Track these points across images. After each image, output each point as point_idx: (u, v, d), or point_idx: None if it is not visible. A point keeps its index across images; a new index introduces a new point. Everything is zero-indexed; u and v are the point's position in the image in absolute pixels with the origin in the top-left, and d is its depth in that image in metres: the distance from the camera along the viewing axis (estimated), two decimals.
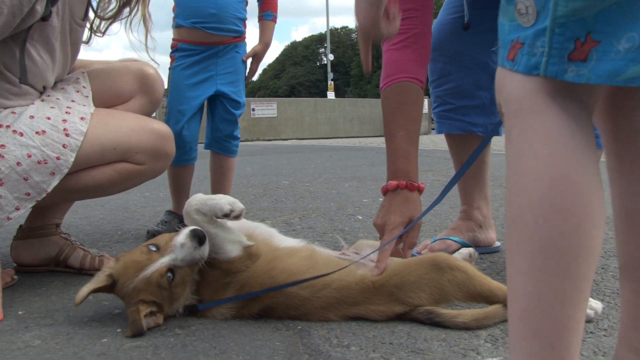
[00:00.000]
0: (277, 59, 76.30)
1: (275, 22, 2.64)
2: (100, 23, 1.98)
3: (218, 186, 2.60)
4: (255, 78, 2.66)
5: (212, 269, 1.48)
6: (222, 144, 2.55)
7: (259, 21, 2.63)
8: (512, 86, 0.81)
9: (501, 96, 0.84)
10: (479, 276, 1.46)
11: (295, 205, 3.33)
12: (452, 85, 2.06)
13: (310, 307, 1.46)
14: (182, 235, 1.42)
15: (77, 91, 1.84)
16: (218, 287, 1.49)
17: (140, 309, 1.38)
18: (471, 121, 2.06)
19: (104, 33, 2.01)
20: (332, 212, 3.10)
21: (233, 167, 2.65)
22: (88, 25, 1.94)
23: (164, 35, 2.90)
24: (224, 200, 1.48)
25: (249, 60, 2.63)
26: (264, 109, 19.88)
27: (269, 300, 1.46)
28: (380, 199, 3.43)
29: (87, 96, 1.84)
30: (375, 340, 1.34)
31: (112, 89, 1.93)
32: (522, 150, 0.79)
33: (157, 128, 1.89)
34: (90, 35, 1.99)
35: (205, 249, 1.42)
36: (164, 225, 2.44)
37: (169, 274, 1.39)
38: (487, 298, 1.44)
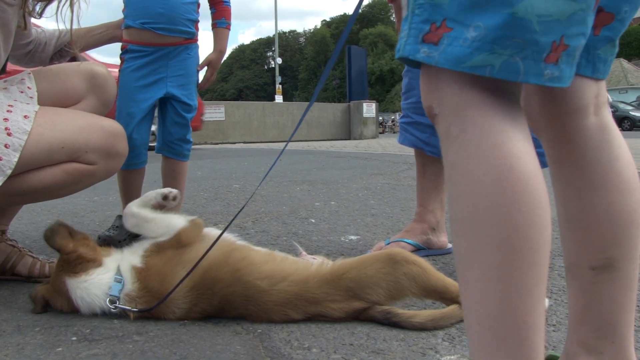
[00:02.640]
0: (224, 62, 75.66)
1: (229, 29, 2.62)
2: (35, 4, 1.90)
3: None
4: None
5: (159, 253, 1.53)
6: (174, 148, 2.51)
7: (212, 29, 2.60)
8: (445, 84, 0.79)
9: (434, 95, 0.81)
10: (433, 271, 1.50)
11: (248, 209, 3.31)
12: (414, 101, 2.13)
13: (269, 301, 1.46)
14: None
15: (21, 92, 1.77)
16: (167, 272, 1.50)
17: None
18: (423, 139, 2.12)
19: (40, 15, 1.92)
20: (284, 215, 3.11)
21: (185, 171, 2.61)
22: (21, 7, 1.84)
23: None
24: (157, 190, 1.67)
25: (204, 69, 2.61)
26: (212, 112, 19.66)
27: (226, 290, 1.46)
28: (332, 203, 3.47)
29: (31, 97, 1.77)
30: (335, 341, 1.36)
31: (61, 90, 1.86)
32: (465, 147, 0.76)
33: (107, 126, 1.83)
34: (25, 19, 1.91)
35: None
36: (115, 230, 2.38)
37: None
38: (441, 293, 1.48)
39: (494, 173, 0.74)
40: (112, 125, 1.87)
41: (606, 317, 0.91)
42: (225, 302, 1.48)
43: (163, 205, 1.69)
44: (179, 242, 1.57)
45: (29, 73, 1.86)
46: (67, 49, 2.21)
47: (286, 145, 1.44)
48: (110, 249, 1.64)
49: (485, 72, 0.74)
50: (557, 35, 0.75)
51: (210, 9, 2.59)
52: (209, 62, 2.58)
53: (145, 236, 1.64)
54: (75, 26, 2.01)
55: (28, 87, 1.79)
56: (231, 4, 2.63)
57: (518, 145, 0.75)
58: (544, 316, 0.76)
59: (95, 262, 1.53)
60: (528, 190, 0.74)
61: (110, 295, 1.48)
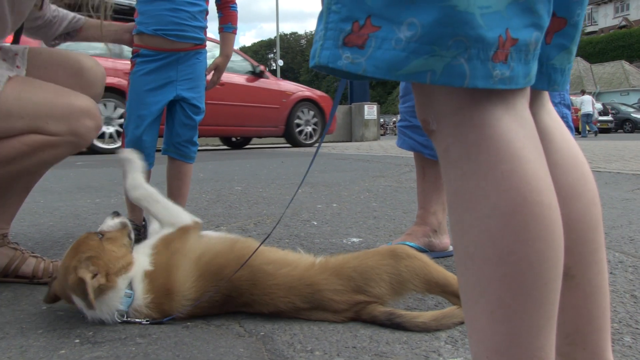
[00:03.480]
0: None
1: (235, 34, 2.67)
2: None
3: (175, 192, 2.57)
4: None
5: (167, 247, 1.56)
6: (181, 150, 2.53)
7: (219, 33, 2.65)
8: (440, 96, 0.69)
9: (429, 110, 0.71)
10: (435, 265, 1.51)
11: (250, 211, 3.32)
12: (411, 104, 2.13)
13: (274, 284, 1.47)
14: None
15: (3, 59, 1.75)
16: (173, 265, 1.51)
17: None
18: (422, 142, 2.12)
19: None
20: (286, 217, 3.11)
21: (190, 173, 2.62)
22: None
23: None
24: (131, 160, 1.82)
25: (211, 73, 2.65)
26: None
27: (235, 278, 1.47)
28: (334, 205, 3.48)
29: (18, 67, 1.75)
30: (338, 344, 1.36)
31: (45, 77, 1.80)
32: (469, 173, 0.67)
33: (76, 99, 1.76)
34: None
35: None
36: None
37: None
38: (442, 287, 1.49)
39: (504, 207, 0.65)
40: (83, 102, 1.78)
41: (572, 325, 0.85)
42: (232, 287, 1.48)
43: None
44: (183, 235, 1.58)
45: (26, 48, 1.82)
46: (73, 33, 2.22)
47: (318, 150, 1.43)
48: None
49: (426, 79, 0.63)
50: (501, 28, 0.64)
51: (218, 13, 2.63)
52: (216, 67, 2.62)
53: (147, 215, 1.73)
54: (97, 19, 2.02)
55: (17, 66, 1.77)
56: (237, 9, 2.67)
57: (531, 172, 0.66)
58: (554, 349, 0.71)
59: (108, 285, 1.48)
60: (543, 225, 0.66)
61: (118, 310, 1.48)
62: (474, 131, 0.66)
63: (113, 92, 8.25)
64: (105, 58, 7.35)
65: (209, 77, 2.64)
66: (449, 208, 0.72)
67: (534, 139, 0.69)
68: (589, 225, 0.84)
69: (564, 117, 1.88)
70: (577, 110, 22.81)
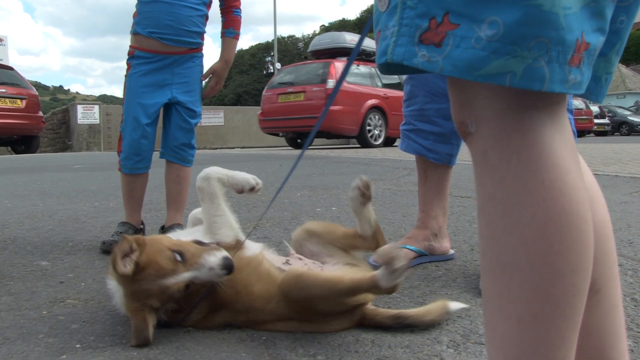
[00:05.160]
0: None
1: (237, 39, 2.65)
2: None
3: (174, 196, 2.57)
4: (204, 85, 2.63)
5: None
6: (178, 153, 2.53)
7: (221, 37, 2.63)
8: (483, 97, 0.66)
9: (468, 112, 0.68)
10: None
11: (249, 215, 3.31)
12: (416, 108, 2.13)
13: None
14: (214, 259, 1.38)
15: None
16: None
17: (148, 317, 1.35)
18: (427, 146, 2.12)
19: None
20: (286, 221, 3.10)
21: (189, 177, 2.62)
22: None
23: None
24: (248, 175, 1.60)
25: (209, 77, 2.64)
26: (211, 117, 19.71)
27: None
28: (334, 208, 3.47)
29: None
30: (340, 349, 1.35)
31: None
32: (508, 180, 0.65)
33: None
34: None
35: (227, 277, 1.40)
36: (119, 236, 2.38)
37: (185, 287, 1.38)
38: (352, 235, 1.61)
39: (542, 217, 0.63)
40: None
41: (594, 340, 0.83)
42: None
43: (241, 191, 1.66)
44: (236, 248, 1.52)
45: None
46: None
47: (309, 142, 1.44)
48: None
49: (505, 82, 0.61)
50: (578, 31, 0.62)
51: (221, 17, 2.62)
52: (213, 71, 2.61)
53: (199, 214, 1.68)
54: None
55: None
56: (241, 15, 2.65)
57: (571, 183, 0.65)
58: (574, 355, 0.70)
59: None
60: (577, 237, 0.65)
61: None
62: (517, 137, 0.64)
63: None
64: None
65: (210, 82, 2.63)
66: (480, 211, 0.70)
67: (573, 149, 0.67)
68: (607, 235, 0.82)
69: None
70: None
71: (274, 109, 11.93)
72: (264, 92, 12.40)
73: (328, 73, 11.02)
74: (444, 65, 0.61)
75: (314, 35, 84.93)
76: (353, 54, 1.05)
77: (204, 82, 2.62)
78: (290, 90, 11.60)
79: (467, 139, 0.70)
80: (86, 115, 18.30)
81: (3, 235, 2.73)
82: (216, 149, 17.12)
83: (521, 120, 0.64)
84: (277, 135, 12.94)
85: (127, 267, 1.32)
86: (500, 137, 0.65)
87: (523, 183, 0.64)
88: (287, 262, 1.60)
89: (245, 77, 73.30)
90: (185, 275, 1.36)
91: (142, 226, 2.57)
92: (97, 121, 18.41)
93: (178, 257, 1.38)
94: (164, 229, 2.51)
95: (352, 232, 1.62)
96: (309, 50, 13.29)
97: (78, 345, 1.38)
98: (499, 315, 0.68)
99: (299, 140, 12.75)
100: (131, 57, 2.44)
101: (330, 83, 10.82)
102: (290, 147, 13.17)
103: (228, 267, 1.37)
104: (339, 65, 11.03)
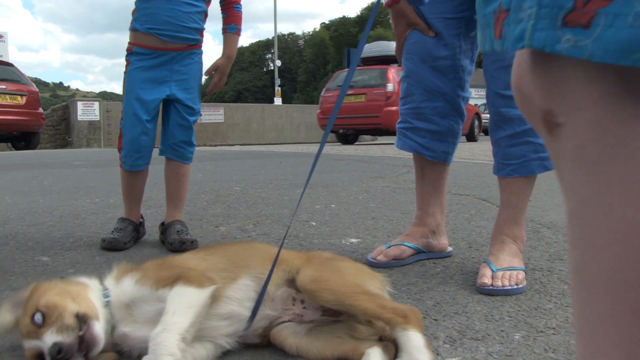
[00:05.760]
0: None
1: (239, 35, 2.65)
2: None
3: (173, 193, 2.58)
4: (203, 83, 2.61)
5: None
6: (177, 150, 2.54)
7: (222, 34, 2.64)
8: (581, 82, 0.56)
9: (558, 99, 0.58)
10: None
11: (249, 212, 3.33)
12: (413, 106, 2.13)
13: None
14: (48, 339, 1.15)
15: None
16: None
17: None
18: (423, 144, 2.13)
19: None
20: (285, 218, 3.12)
21: (188, 174, 2.63)
22: None
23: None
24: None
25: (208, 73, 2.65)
26: (211, 114, 19.72)
27: None
28: (333, 205, 3.49)
29: None
30: None
31: None
32: (606, 180, 0.54)
33: None
34: None
35: None
36: (118, 232, 2.40)
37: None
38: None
39: None
40: None
41: None
42: None
43: None
44: None
45: None
46: None
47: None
48: None
49: None
50: None
51: (222, 13, 2.63)
52: (216, 67, 2.61)
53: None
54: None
55: None
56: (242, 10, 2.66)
57: None
58: None
59: None
60: None
61: None
62: (621, 128, 0.53)
63: None
64: None
65: (214, 78, 2.63)
66: (572, 218, 0.59)
67: None
68: None
69: None
70: None
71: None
72: (322, 94, 14.37)
73: (386, 77, 12.75)
74: (593, 50, 0.51)
75: (314, 32, 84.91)
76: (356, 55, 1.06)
77: (205, 79, 2.63)
78: (351, 92, 13.08)
79: (554, 132, 0.59)
80: (86, 112, 18.32)
81: (4, 231, 2.75)
82: (216, 145, 17.13)
83: (629, 108, 0.53)
84: (337, 132, 14.77)
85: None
86: (601, 128, 0.54)
87: (631, 183, 0.53)
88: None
89: (245, 74, 73.39)
90: (33, 344, 1.19)
91: (141, 220, 2.59)
92: (97, 118, 18.43)
93: (38, 319, 1.19)
94: (163, 225, 2.53)
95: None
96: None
97: None
98: (597, 342, 0.57)
99: (349, 138, 14.83)
100: (130, 53, 2.46)
101: (390, 87, 12.56)
102: (337, 142, 15.28)
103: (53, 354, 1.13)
104: (393, 71, 12.64)
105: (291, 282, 1.34)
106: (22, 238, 2.58)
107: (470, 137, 15.06)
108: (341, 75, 14.50)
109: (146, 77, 2.40)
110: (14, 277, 1.96)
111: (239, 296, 1.29)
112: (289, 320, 1.32)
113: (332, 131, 14.06)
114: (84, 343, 1.17)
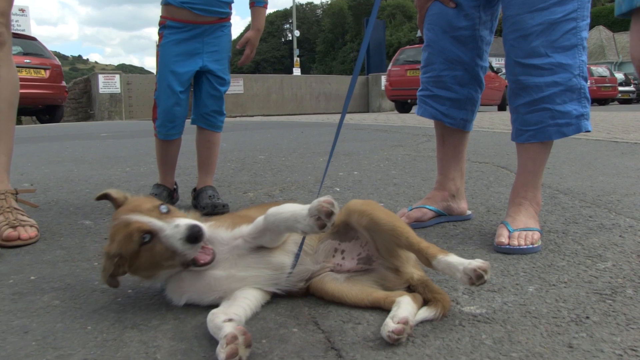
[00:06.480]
0: (241, 34, 75.67)
1: (266, 8, 2.74)
2: None
3: (205, 160, 2.72)
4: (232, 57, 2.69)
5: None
6: (209, 120, 2.66)
7: (250, 7, 2.72)
8: None
9: None
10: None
11: (275, 179, 3.46)
12: (434, 75, 2.22)
13: None
14: (185, 224, 1.28)
15: None
16: None
17: (116, 262, 1.34)
18: (443, 111, 2.23)
19: None
20: (310, 184, 3.25)
21: (219, 142, 2.76)
22: None
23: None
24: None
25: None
26: (231, 85, 19.80)
27: None
28: (355, 173, 3.60)
29: None
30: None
31: None
32: None
33: None
34: None
35: (193, 252, 1.29)
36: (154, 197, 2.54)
37: (146, 236, 1.29)
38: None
39: None
40: None
41: None
42: None
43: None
44: None
45: None
46: None
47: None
48: None
49: None
50: None
51: None
52: (247, 40, 2.71)
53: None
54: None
55: None
56: None
57: None
58: None
59: None
60: None
61: None
62: None
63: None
64: None
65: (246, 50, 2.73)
66: None
67: None
68: None
69: (581, 89, 1.92)
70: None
71: (403, 81, 15.42)
72: (389, 67, 16.24)
73: None
74: None
75: (333, 2, 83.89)
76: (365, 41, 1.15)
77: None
78: (417, 67, 14.02)
79: None
80: (107, 85, 18.54)
81: (46, 198, 2.92)
82: (235, 117, 17.25)
83: None
84: (405, 102, 16.37)
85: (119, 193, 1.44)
86: None
87: None
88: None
89: (263, 45, 72.98)
90: (150, 221, 1.29)
91: (175, 187, 2.73)
92: (119, 90, 18.65)
93: (163, 209, 1.34)
94: (195, 191, 2.67)
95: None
96: (417, 36, 16.61)
97: (130, 291, 1.54)
98: None
99: (405, 107, 16.65)
100: (163, 27, 2.56)
101: None
102: (397, 112, 17.01)
103: (190, 237, 1.26)
104: None
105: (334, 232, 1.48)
106: (63, 204, 2.74)
107: (502, 107, 16.68)
108: (407, 52, 16.37)
109: (180, 50, 2.50)
110: (62, 238, 2.12)
111: (289, 248, 1.43)
112: (330, 270, 1.46)
113: (402, 101, 16.39)
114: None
